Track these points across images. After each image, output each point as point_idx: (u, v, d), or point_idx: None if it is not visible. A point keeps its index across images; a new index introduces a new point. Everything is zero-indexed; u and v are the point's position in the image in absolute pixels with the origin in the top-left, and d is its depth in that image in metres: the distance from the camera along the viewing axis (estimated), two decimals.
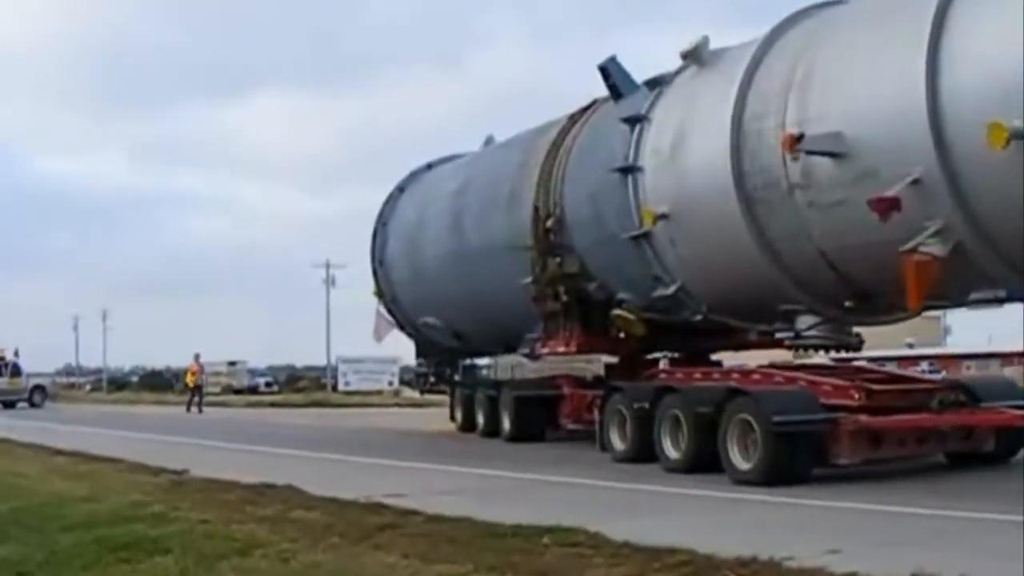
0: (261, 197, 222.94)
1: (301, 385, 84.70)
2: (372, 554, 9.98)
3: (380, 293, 30.08)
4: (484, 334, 26.99)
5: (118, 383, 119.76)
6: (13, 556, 10.71)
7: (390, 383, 78.32)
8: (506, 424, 24.63)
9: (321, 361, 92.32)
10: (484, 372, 34.68)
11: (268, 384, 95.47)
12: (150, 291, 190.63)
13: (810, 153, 15.44)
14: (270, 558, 10.01)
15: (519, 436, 23.90)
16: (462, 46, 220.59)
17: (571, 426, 23.18)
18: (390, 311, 30.14)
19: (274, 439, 28.35)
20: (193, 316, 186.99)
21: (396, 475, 17.73)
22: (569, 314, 22.09)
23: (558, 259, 21.82)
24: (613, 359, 24.10)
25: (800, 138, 15.42)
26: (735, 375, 18.34)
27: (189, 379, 52.46)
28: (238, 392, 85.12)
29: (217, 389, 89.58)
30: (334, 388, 78.85)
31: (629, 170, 19.18)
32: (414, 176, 30.25)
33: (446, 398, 29.99)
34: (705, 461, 16.10)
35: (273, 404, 63.36)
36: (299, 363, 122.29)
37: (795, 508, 12.93)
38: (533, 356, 24.51)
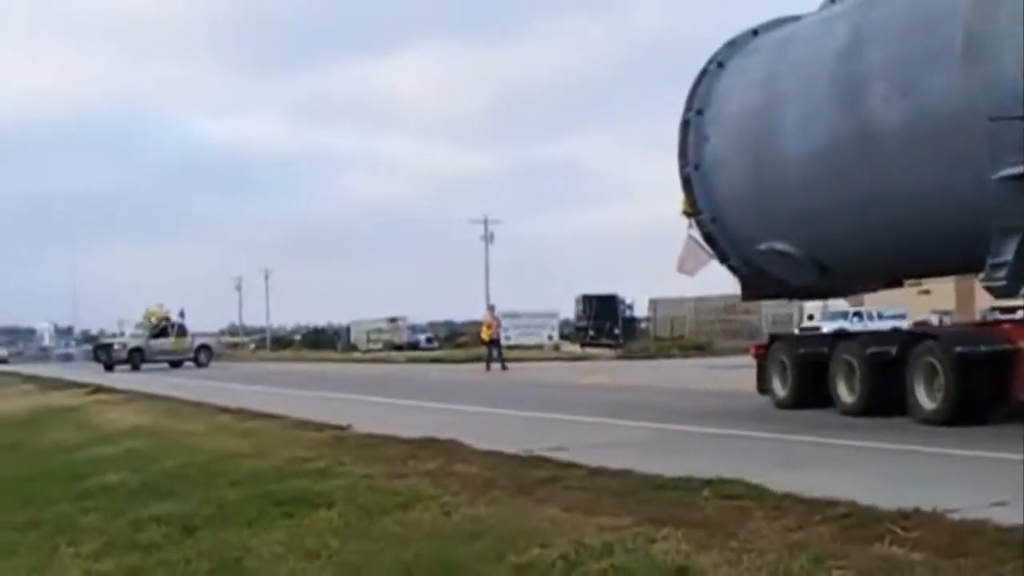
0: (415, 153, 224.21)
1: (461, 340, 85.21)
2: (533, 507, 9.93)
3: (693, 210, 20.87)
4: (873, 261, 18.67)
5: (281, 342, 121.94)
6: (180, 511, 10.87)
7: (549, 337, 78.62)
8: (923, 399, 16.16)
9: (480, 316, 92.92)
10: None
11: (429, 340, 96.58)
12: (309, 250, 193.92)
13: None
14: (432, 511, 10.01)
15: (956, 417, 15.49)
16: None
17: None
18: (707, 237, 20.93)
19: (437, 394, 28.58)
20: (353, 274, 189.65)
21: (557, 428, 17.68)
22: None
23: None
24: None
25: None
26: None
27: (484, 333, 47.49)
28: (399, 348, 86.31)
29: (379, 345, 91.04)
30: None
31: None
32: (737, 46, 20.87)
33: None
34: None
35: (435, 360, 64.01)
36: (458, 319, 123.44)
37: (961, 460, 12.57)
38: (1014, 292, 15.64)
